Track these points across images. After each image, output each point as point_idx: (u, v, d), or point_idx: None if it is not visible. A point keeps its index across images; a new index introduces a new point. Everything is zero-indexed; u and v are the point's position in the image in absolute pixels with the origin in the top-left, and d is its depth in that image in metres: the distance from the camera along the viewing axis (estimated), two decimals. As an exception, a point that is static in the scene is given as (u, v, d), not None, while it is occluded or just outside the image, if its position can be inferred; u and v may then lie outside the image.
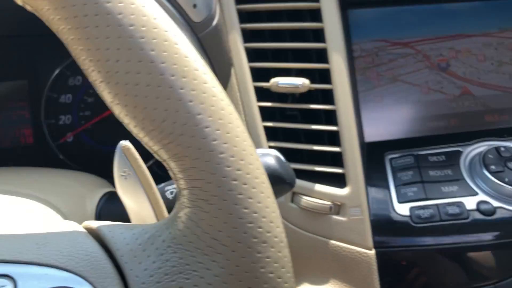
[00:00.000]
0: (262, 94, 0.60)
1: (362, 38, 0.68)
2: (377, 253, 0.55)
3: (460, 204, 0.57)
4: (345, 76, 0.56)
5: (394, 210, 0.57)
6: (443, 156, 0.63)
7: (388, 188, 0.59)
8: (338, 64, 0.56)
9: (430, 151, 0.64)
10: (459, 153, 0.63)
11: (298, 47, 0.58)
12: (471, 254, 0.55)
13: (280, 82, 0.57)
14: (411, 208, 0.57)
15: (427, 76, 0.68)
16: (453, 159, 0.62)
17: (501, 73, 0.69)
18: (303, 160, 0.59)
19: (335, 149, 0.56)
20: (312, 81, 0.58)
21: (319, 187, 0.56)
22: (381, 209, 0.57)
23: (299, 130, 0.59)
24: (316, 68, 0.58)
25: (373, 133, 0.67)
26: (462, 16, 0.70)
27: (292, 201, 0.58)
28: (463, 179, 0.60)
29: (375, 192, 0.59)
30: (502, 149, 0.62)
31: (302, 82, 0.56)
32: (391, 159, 0.63)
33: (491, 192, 0.58)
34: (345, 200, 0.55)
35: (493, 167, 0.59)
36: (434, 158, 0.63)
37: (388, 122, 0.67)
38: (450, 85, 0.69)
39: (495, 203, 0.57)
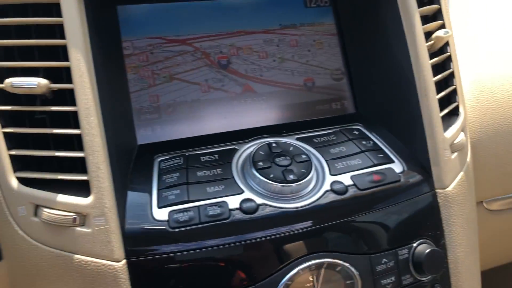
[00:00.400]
0: (9, 97, 0.53)
1: (134, 35, 0.64)
2: (129, 264, 0.50)
3: (222, 204, 0.54)
4: (85, 74, 0.51)
5: (152, 216, 0.53)
6: (216, 155, 0.60)
7: (150, 192, 0.55)
8: (77, 62, 0.51)
9: (204, 151, 0.61)
10: (234, 151, 0.61)
11: (32, 43, 0.53)
12: (231, 256, 0.52)
13: (14, 82, 0.51)
14: (170, 212, 0.53)
15: (207, 74, 0.66)
16: (226, 157, 0.60)
17: (283, 69, 0.69)
18: (52, 168, 0.53)
19: (78, 154, 0.51)
20: (59, 81, 0.53)
21: (62, 198, 0.50)
22: (138, 216, 0.53)
23: (48, 135, 0.54)
24: (61, 67, 0.52)
25: (147, 135, 0.63)
26: (242, 12, 0.69)
27: (36, 214, 0.51)
28: (232, 177, 0.57)
29: (135, 197, 0.55)
30: (274, 145, 0.61)
31: (37, 82, 0.50)
32: (160, 162, 0.59)
33: (258, 189, 0.56)
34: (89, 209, 0.50)
35: (261, 163, 0.58)
36: (206, 158, 0.60)
37: (164, 122, 0.64)
38: (232, 83, 0.67)
39: (259, 200, 0.55)
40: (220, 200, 0.54)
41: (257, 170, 0.57)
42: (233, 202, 0.55)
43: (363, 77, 0.71)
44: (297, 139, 0.64)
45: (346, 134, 0.66)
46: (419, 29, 0.63)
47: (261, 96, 0.68)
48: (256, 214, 0.54)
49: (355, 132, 0.67)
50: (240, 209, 0.54)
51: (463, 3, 0.92)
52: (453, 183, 0.64)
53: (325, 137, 0.65)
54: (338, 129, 0.67)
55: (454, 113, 0.70)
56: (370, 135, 0.67)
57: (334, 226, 0.56)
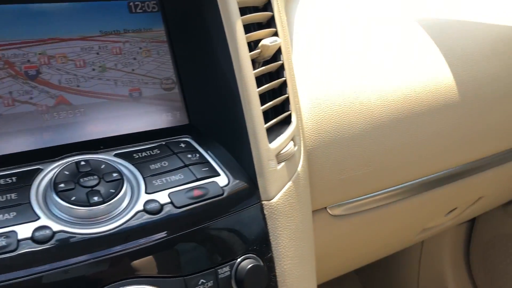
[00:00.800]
0: None
1: None
2: None
3: (10, 234, 0.48)
4: None
5: None
6: (14, 178, 0.54)
7: None
8: None
9: (2, 173, 0.54)
10: (37, 172, 0.55)
11: None
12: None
13: None
14: None
15: (12, 86, 0.59)
16: (25, 180, 0.54)
17: (105, 79, 0.64)
18: None
19: None
20: None
21: None
22: None
23: None
24: None
25: None
26: (55, 18, 0.62)
27: None
28: (28, 203, 0.51)
29: None
30: (82, 163, 0.55)
31: None
32: None
33: (60, 215, 0.51)
34: None
35: (62, 185, 0.52)
36: (1, 181, 0.53)
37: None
38: (42, 95, 0.61)
39: (57, 227, 0.50)
40: (8, 230, 0.48)
41: (57, 193, 0.51)
42: (25, 231, 0.49)
43: (195, 87, 0.68)
44: (115, 155, 0.59)
45: (171, 147, 0.62)
46: (241, 37, 0.61)
47: (78, 108, 0.62)
48: (50, 243, 0.48)
49: (182, 145, 0.63)
50: (32, 238, 0.48)
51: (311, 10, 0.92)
52: (279, 194, 0.63)
53: (147, 152, 0.61)
54: (163, 143, 0.63)
55: (287, 122, 0.69)
56: (198, 147, 0.64)
57: (144, 249, 0.52)
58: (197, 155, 0.62)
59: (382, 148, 0.80)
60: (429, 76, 0.88)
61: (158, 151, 0.61)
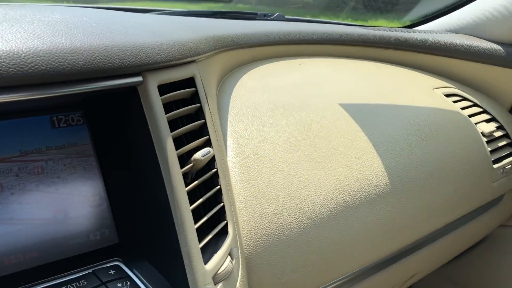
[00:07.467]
0: None
1: None
2: None
3: None
4: None
5: None
6: None
7: None
8: None
9: None
10: None
11: None
12: None
13: None
14: None
15: None
16: None
17: (25, 203, 0.59)
18: None
19: None
20: None
21: None
22: None
23: None
24: None
25: None
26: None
27: None
28: None
29: None
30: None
31: None
32: None
33: None
34: None
35: None
36: None
37: None
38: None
39: None
40: None
41: None
42: None
43: (124, 203, 0.65)
44: (40, 291, 0.56)
45: (100, 276, 0.58)
46: (172, 154, 0.59)
47: (-5, 238, 0.58)
48: None
49: (111, 271, 0.59)
50: None
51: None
52: (219, 318, 0.61)
53: (73, 285, 0.56)
54: (91, 270, 0.59)
55: (224, 231, 0.67)
56: (129, 272, 0.60)
57: None
58: (128, 283, 0.58)
59: (320, 246, 0.80)
60: (358, 166, 0.90)
61: (85, 282, 0.56)
